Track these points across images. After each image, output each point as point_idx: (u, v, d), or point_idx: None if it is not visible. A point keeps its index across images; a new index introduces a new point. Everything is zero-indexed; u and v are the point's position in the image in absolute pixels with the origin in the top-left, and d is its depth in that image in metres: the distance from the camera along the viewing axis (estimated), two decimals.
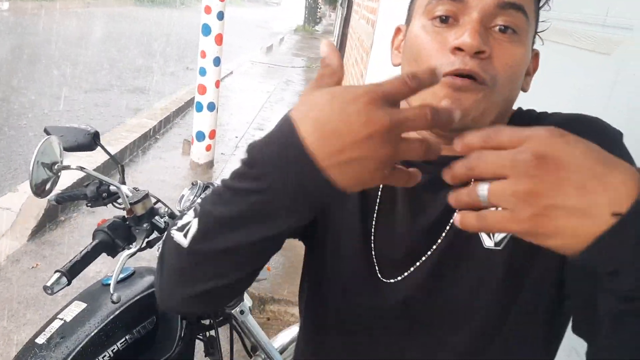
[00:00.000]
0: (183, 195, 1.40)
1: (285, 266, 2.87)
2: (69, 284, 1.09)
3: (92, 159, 3.67)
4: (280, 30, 20.63)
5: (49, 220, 3.22)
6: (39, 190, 1.12)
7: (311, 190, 0.45)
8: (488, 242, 0.62)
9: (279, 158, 0.45)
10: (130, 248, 1.19)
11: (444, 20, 0.60)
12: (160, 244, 1.29)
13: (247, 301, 1.54)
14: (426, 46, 0.61)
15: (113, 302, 1.12)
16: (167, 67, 9.16)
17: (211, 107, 4.35)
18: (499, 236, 0.62)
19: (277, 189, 0.46)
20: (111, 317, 1.20)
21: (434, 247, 0.65)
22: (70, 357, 1.11)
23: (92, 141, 1.23)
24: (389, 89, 0.43)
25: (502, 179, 0.39)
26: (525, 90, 0.66)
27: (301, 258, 0.79)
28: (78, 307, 1.21)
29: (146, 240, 1.22)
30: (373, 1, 4.59)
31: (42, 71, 7.37)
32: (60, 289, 1.08)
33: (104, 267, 2.58)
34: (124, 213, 1.24)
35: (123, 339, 1.21)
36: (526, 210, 0.38)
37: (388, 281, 0.67)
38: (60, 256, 2.89)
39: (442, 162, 0.46)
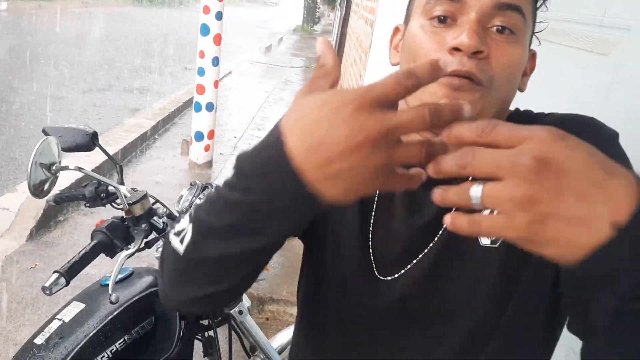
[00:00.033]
0: (182, 196, 1.40)
1: (284, 266, 2.87)
2: (67, 284, 1.09)
3: (91, 159, 3.67)
4: (279, 30, 20.63)
5: (47, 220, 3.22)
6: (37, 191, 1.12)
7: (298, 205, 0.44)
8: (484, 240, 0.63)
9: (265, 171, 0.44)
10: (129, 248, 1.19)
11: (442, 20, 0.60)
12: (158, 244, 1.29)
13: (246, 301, 1.54)
14: (424, 46, 0.61)
15: (112, 303, 1.12)
16: (166, 67, 9.15)
17: (210, 107, 4.35)
18: None
19: (263, 203, 0.45)
20: (110, 317, 1.20)
21: (431, 245, 0.65)
22: (69, 357, 1.11)
23: (90, 141, 1.23)
24: (380, 92, 0.40)
25: (496, 179, 0.37)
26: (522, 90, 0.67)
27: (300, 258, 0.79)
28: (77, 307, 1.21)
29: (145, 240, 1.22)
30: (372, 1, 4.59)
31: (40, 71, 7.36)
32: (59, 290, 1.08)
33: (104, 268, 2.58)
34: (122, 213, 1.24)
35: (122, 340, 1.21)
36: (523, 216, 0.36)
37: (385, 279, 0.68)
38: (58, 256, 2.89)
39: None
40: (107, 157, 1.30)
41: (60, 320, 1.17)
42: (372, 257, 0.69)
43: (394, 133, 0.40)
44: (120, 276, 1.28)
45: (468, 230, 0.39)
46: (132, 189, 1.26)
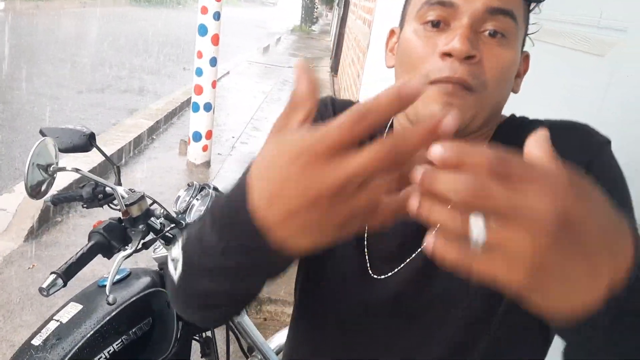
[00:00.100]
0: (179, 196, 1.40)
1: None
2: (64, 285, 1.09)
3: (89, 159, 3.67)
4: (277, 31, 20.63)
5: (45, 221, 3.22)
6: (34, 192, 1.12)
7: (266, 259, 0.44)
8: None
9: (232, 222, 0.43)
10: (126, 249, 1.19)
11: (436, 24, 0.61)
12: (156, 245, 1.29)
13: None
14: (418, 51, 0.62)
15: (109, 304, 1.12)
16: (164, 68, 9.15)
17: (208, 107, 4.35)
18: None
19: (233, 252, 0.45)
20: (107, 318, 1.20)
21: (424, 243, 0.65)
22: (67, 358, 1.11)
23: (87, 142, 1.23)
24: (331, 142, 0.36)
25: (499, 217, 0.32)
26: (515, 91, 0.67)
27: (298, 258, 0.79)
28: (74, 308, 1.21)
29: (142, 241, 1.22)
30: (369, 1, 4.59)
31: (38, 71, 7.34)
32: (56, 291, 1.08)
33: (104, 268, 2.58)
34: (119, 214, 1.24)
35: (119, 340, 1.21)
36: (525, 267, 0.33)
37: (379, 277, 0.68)
38: (56, 257, 2.88)
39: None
40: (104, 158, 1.30)
41: (57, 321, 1.17)
42: (366, 256, 0.70)
43: (352, 182, 0.36)
44: (117, 277, 1.28)
45: (452, 265, 0.35)
46: (129, 189, 1.26)
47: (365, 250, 0.70)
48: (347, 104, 0.79)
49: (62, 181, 3.21)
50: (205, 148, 4.49)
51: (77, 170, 1.22)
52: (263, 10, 41.78)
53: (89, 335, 1.15)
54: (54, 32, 11.15)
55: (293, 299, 0.82)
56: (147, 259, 2.40)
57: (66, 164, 1.20)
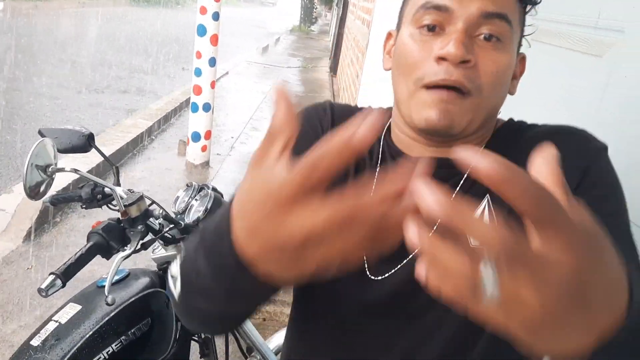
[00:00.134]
0: (178, 197, 1.40)
1: None
2: (63, 286, 1.09)
3: (88, 160, 3.66)
4: (276, 31, 20.63)
5: (44, 222, 3.21)
6: (33, 192, 1.12)
7: (251, 289, 0.44)
8: (474, 241, 0.63)
9: (219, 250, 0.44)
10: (125, 250, 1.19)
11: (431, 29, 0.62)
12: (154, 245, 1.29)
13: None
14: (414, 55, 0.63)
15: (108, 304, 1.12)
16: (163, 68, 9.14)
17: (207, 107, 4.35)
18: None
19: (221, 278, 0.45)
20: (106, 318, 1.20)
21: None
22: (66, 359, 1.11)
23: (86, 143, 1.23)
24: (292, 188, 0.35)
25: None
26: (512, 93, 0.68)
27: None
28: (73, 309, 1.21)
29: (141, 242, 1.22)
30: (368, 1, 4.60)
31: (37, 71, 7.34)
32: (55, 291, 1.08)
33: (103, 269, 2.58)
34: (118, 215, 1.24)
35: (118, 341, 1.21)
36: (526, 316, 0.32)
37: (376, 279, 0.68)
38: (55, 258, 2.88)
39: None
40: (103, 158, 1.30)
41: (56, 321, 1.17)
42: (364, 257, 0.70)
43: (313, 238, 0.36)
44: (116, 278, 1.28)
45: (449, 301, 0.34)
46: (128, 190, 1.26)
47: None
48: (346, 108, 0.79)
49: (61, 182, 3.21)
50: (204, 148, 4.49)
51: (75, 170, 1.22)
52: (262, 11, 41.79)
53: (87, 335, 1.15)
54: (53, 32, 11.14)
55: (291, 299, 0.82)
56: (146, 260, 2.40)
57: (65, 164, 1.20)
